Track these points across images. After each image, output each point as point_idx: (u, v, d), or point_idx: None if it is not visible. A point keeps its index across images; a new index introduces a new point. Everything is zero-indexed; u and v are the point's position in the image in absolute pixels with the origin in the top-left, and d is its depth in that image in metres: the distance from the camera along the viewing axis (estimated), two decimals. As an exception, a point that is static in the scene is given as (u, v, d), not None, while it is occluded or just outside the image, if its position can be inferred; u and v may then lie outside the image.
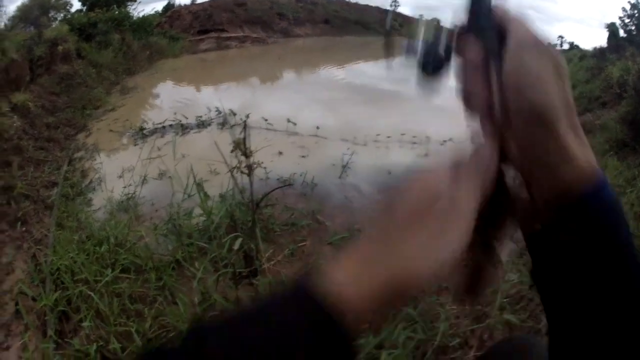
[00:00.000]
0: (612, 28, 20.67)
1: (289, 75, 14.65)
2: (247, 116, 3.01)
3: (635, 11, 19.45)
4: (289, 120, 6.82)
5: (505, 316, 2.61)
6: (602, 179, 0.53)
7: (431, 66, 0.69)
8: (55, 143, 6.29)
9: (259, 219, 3.59)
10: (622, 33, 20.40)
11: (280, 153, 6.04)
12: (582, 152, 0.54)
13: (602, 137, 7.59)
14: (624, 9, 19.89)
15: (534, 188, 0.56)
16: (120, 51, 12.99)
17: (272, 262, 3.41)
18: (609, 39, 20.35)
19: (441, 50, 0.69)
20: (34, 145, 5.90)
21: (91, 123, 7.67)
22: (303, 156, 6.07)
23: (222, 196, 4.24)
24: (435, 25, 0.72)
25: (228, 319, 0.49)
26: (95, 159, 5.90)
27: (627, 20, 20.04)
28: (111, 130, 7.12)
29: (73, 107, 8.11)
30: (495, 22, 0.61)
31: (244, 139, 3.24)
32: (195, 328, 0.48)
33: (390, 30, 0.86)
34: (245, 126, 3.12)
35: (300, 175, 5.08)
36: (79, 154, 6.12)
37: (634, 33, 19.84)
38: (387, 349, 2.38)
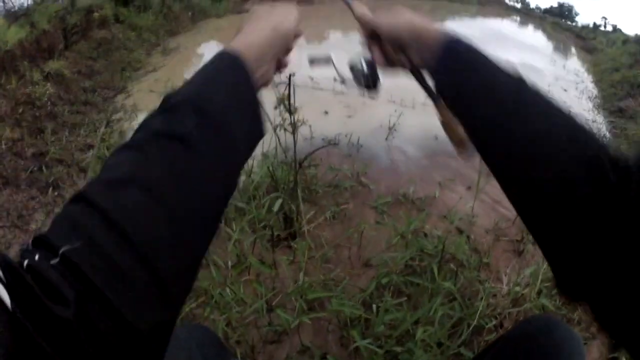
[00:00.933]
0: None
1: (335, 35, 14.38)
2: (293, 74, 2.84)
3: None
4: (335, 79, 6.58)
5: (542, 300, 2.55)
6: (452, 35, 0.83)
7: (370, 84, 1.12)
8: (92, 106, 6.21)
9: (301, 179, 3.50)
10: None
11: (326, 112, 5.94)
12: (433, 30, 0.87)
13: None
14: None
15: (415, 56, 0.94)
16: (161, 13, 12.85)
17: (313, 225, 3.30)
18: None
19: (369, 72, 1.09)
20: (70, 109, 5.82)
21: (131, 85, 7.58)
22: (349, 116, 5.97)
23: (265, 155, 4.11)
24: (360, 58, 1.10)
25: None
26: (135, 120, 5.80)
27: None
28: (152, 91, 7.00)
29: (112, 70, 8.02)
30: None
31: (289, 95, 3.12)
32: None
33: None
34: (290, 82, 3.01)
35: (346, 136, 4.98)
36: (117, 116, 6.04)
37: None
38: (424, 325, 2.29)
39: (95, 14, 9.98)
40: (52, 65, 6.83)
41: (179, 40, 11.28)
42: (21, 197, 3.75)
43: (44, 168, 4.20)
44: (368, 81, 1.09)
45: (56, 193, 3.88)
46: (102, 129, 5.29)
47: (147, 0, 13.05)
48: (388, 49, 1.01)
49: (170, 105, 0.72)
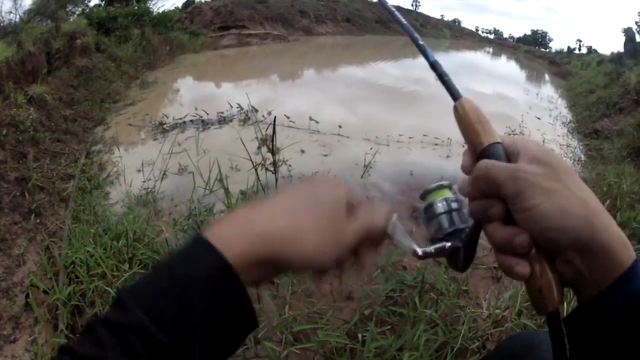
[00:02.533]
0: (628, 33, 20.60)
1: (309, 73, 14.67)
2: (270, 113, 2.96)
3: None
4: (311, 119, 6.75)
5: (523, 320, 2.63)
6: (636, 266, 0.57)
7: (460, 264, 0.73)
8: (72, 136, 6.23)
9: None
10: (638, 38, 20.34)
11: (303, 151, 5.98)
12: (621, 241, 0.58)
13: (619, 143, 7.71)
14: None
15: (583, 275, 0.59)
16: (140, 46, 13.00)
17: None
18: (626, 43, 20.29)
19: (465, 248, 0.72)
20: (51, 137, 5.84)
21: (110, 116, 7.63)
22: (325, 155, 6.02)
23: (244, 193, 4.20)
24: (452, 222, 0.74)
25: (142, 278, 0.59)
26: (113, 153, 5.83)
27: None
28: (130, 124, 7.08)
29: (91, 100, 8.08)
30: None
31: (272, 135, 3.18)
32: (116, 293, 0.57)
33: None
34: (274, 123, 3.07)
35: (323, 174, 4.96)
36: (96, 147, 6.06)
37: None
38: (409, 351, 2.36)
39: (78, 41, 10.05)
40: (36, 89, 6.85)
41: (156, 74, 11.40)
42: (4, 220, 3.73)
43: (26, 194, 4.20)
44: (458, 261, 0.74)
45: (38, 220, 3.87)
46: (82, 160, 5.31)
47: (128, 31, 13.19)
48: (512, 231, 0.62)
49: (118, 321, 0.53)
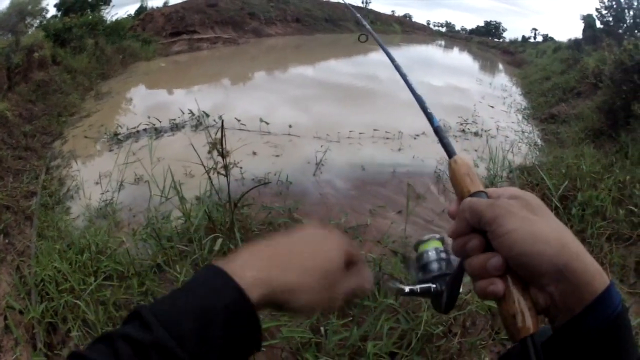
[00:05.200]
0: (588, 20, 20.95)
1: (260, 75, 14.64)
2: (221, 117, 3.03)
3: (613, 2, 19.72)
4: (261, 120, 6.84)
5: (487, 303, 2.66)
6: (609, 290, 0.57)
7: (443, 306, 0.78)
8: (32, 152, 6.22)
9: (236, 219, 3.61)
10: (598, 24, 20.65)
11: (254, 153, 6.06)
12: (595, 269, 0.59)
13: (577, 126, 7.77)
14: (601, 0, 20.18)
15: (556, 303, 0.59)
16: (94, 56, 12.80)
17: None
18: (585, 30, 20.63)
19: (449, 287, 0.77)
20: (13, 154, 5.83)
21: (67, 130, 7.58)
22: (277, 155, 6.10)
23: (199, 198, 4.25)
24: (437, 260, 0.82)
25: (161, 299, 0.62)
26: (71, 167, 5.83)
27: (604, 12, 20.28)
28: (86, 137, 7.05)
29: (49, 115, 8.01)
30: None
31: (222, 139, 3.25)
32: (136, 311, 0.59)
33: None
34: (222, 126, 3.13)
35: (275, 175, 5.09)
36: (55, 162, 6.05)
37: (612, 24, 20.10)
38: (372, 341, 2.44)
39: (36, 54, 9.88)
40: (-1, 106, 6.76)
41: (110, 84, 11.26)
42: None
43: (-7, 214, 4.19)
44: (440, 301, 0.79)
45: (7, 241, 3.89)
46: (43, 176, 5.32)
47: (83, 42, 12.96)
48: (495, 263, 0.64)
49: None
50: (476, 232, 0.66)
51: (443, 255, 0.82)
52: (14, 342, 2.70)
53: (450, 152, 0.80)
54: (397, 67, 1.20)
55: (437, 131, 0.89)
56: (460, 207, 0.69)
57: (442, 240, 0.84)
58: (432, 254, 0.82)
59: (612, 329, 0.57)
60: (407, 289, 0.81)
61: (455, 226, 0.69)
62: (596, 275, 0.58)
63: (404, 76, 1.13)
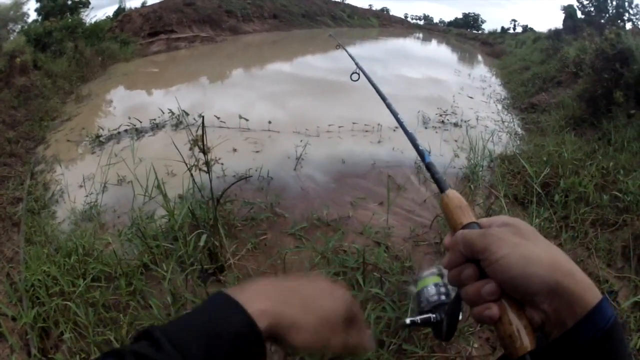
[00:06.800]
0: (569, 10, 21.09)
1: (238, 73, 14.62)
2: (201, 115, 3.03)
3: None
4: (240, 117, 6.85)
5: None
6: (602, 306, 0.60)
7: (444, 334, 0.82)
8: (17, 158, 6.18)
9: (220, 215, 3.64)
10: (579, 14, 20.78)
11: (235, 150, 6.08)
12: (586, 284, 0.61)
13: (558, 114, 7.84)
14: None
15: (550, 318, 0.62)
16: (74, 59, 12.67)
17: (237, 257, 3.48)
18: (565, 20, 20.78)
19: (449, 317, 0.81)
20: (-3, 161, 5.75)
21: (49, 135, 7.52)
22: (257, 151, 6.12)
23: (182, 197, 4.26)
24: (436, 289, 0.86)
25: (174, 322, 0.64)
26: (55, 171, 5.80)
27: (585, 2, 20.43)
28: (68, 140, 7.00)
29: (31, 120, 7.96)
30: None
31: (202, 135, 3.28)
32: (147, 331, 0.61)
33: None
34: (202, 123, 3.16)
35: (256, 170, 5.12)
36: (40, 167, 6.02)
37: (594, 14, 20.24)
38: None
39: (18, 59, 9.81)
40: (-19, 113, 6.70)
41: (90, 87, 11.15)
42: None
43: (-20, 223, 4.16)
44: (441, 331, 0.83)
45: None
46: (28, 182, 5.31)
47: (63, 45, 12.83)
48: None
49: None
50: (470, 261, 0.68)
51: (442, 289, 0.86)
52: (9, 349, 2.70)
53: (442, 187, 0.82)
54: (389, 106, 1.31)
55: (429, 167, 0.92)
56: (453, 239, 0.72)
57: (440, 275, 0.89)
58: (431, 289, 0.87)
59: (604, 342, 0.58)
60: (408, 320, 0.86)
61: (450, 257, 0.71)
62: (588, 290, 0.60)
63: (395, 114, 1.21)
